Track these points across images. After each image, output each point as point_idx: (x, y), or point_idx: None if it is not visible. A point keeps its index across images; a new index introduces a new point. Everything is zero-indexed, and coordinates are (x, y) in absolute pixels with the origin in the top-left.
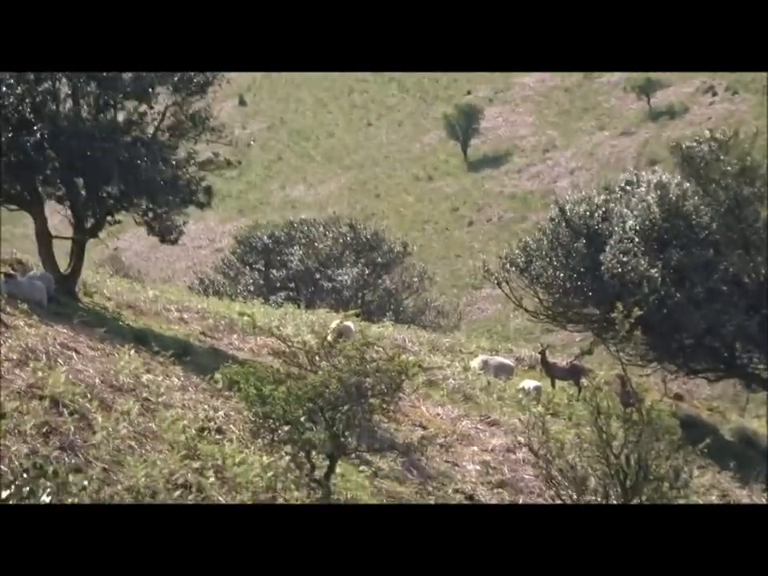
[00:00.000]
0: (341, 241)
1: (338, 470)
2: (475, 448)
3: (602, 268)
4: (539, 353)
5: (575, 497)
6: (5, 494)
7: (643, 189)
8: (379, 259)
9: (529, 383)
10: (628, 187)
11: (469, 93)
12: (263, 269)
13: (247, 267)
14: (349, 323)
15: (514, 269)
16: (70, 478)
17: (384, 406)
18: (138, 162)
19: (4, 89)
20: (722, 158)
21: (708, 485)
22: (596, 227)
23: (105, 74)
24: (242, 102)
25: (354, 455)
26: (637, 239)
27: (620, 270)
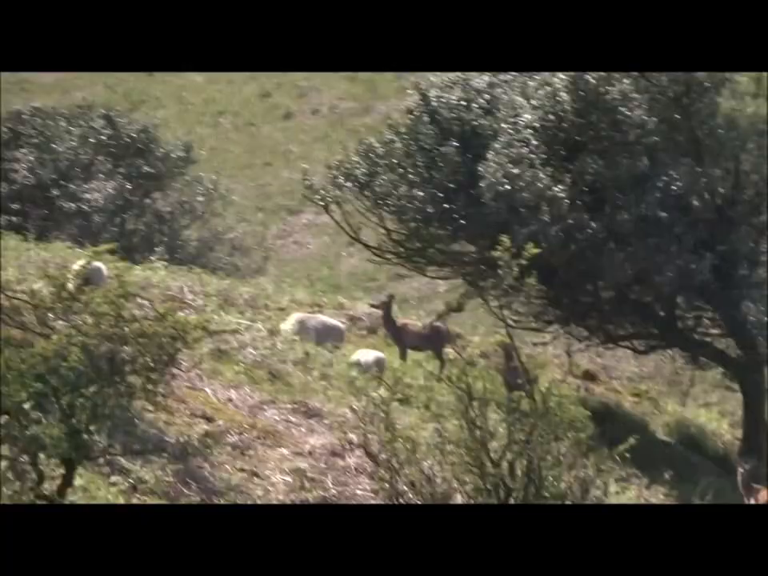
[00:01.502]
0: (91, 141)
1: (78, 481)
2: (285, 450)
3: (482, 184)
4: (381, 308)
5: None
6: None
7: None
8: (148, 168)
9: (366, 354)
10: None
11: None
12: None
13: None
14: (99, 264)
15: (350, 184)
16: None
17: (149, 387)
18: None
19: None
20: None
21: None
22: (475, 123)
23: None
24: None
25: (102, 460)
26: (535, 142)
27: (508, 186)
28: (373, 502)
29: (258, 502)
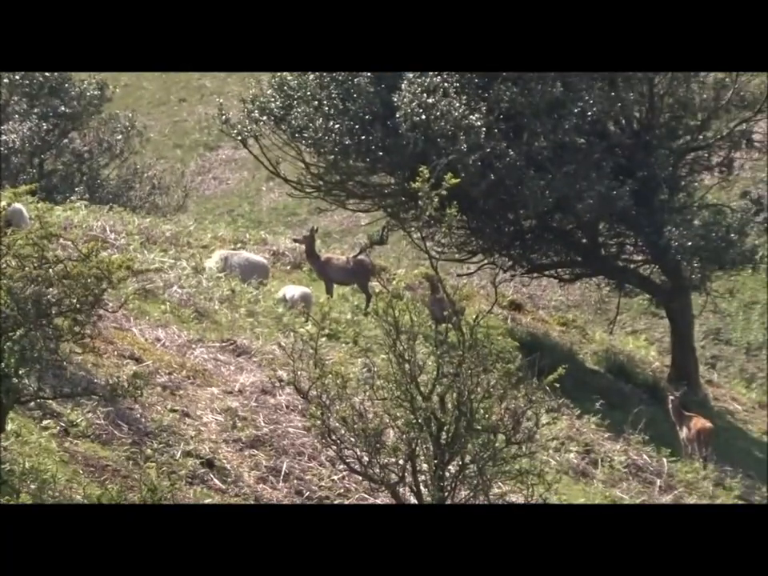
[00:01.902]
0: (5, 80)
1: (9, 426)
2: (215, 390)
3: (398, 115)
4: (304, 242)
5: (366, 459)
6: None
7: None
8: (63, 108)
9: (292, 290)
10: None
11: None
12: None
13: None
14: (19, 205)
15: (265, 118)
16: None
17: (77, 329)
18: None
19: None
20: None
21: (563, 436)
22: None
23: None
24: None
25: (33, 404)
26: None
27: (424, 116)
28: (305, 439)
29: (191, 442)
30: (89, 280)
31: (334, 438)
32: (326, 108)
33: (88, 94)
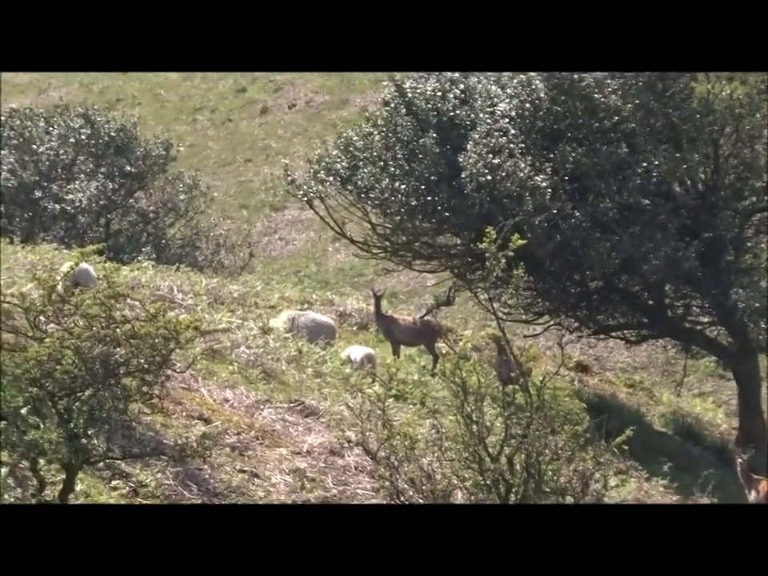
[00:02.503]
0: (71, 140)
1: (79, 486)
2: (283, 450)
3: (463, 176)
4: (374, 303)
5: None
6: None
7: None
8: (129, 167)
9: (356, 351)
10: None
11: None
12: None
13: None
14: (86, 265)
15: (331, 179)
16: None
17: (145, 389)
18: None
19: None
20: None
21: (632, 499)
22: (452, 114)
23: None
24: None
25: (102, 464)
26: (513, 131)
27: (489, 177)
28: (374, 501)
29: (260, 503)
30: (156, 340)
31: (402, 499)
32: (392, 169)
33: (153, 153)
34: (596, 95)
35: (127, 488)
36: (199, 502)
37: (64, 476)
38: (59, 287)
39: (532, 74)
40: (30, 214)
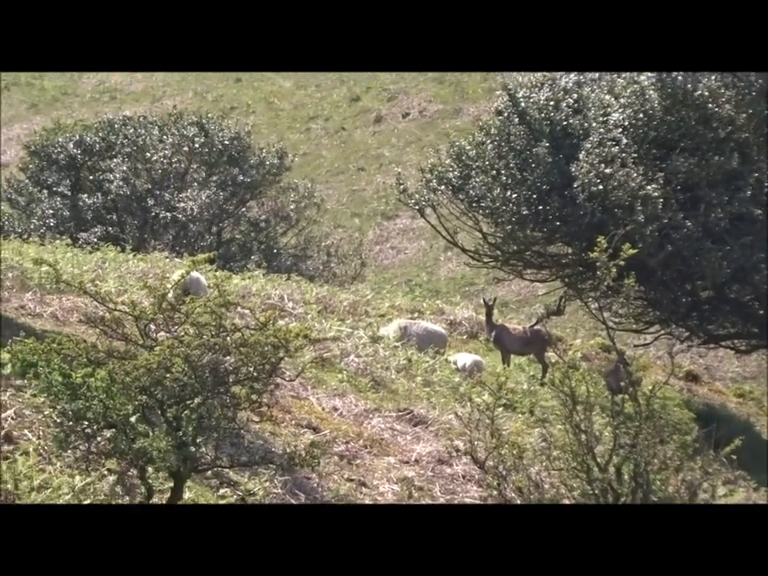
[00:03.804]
0: (185, 149)
1: (187, 494)
2: (391, 459)
3: (575, 185)
4: (485, 312)
5: None
6: None
7: None
8: (242, 177)
9: (464, 357)
10: None
11: None
12: (69, 193)
13: (45, 191)
14: (197, 274)
15: (443, 188)
16: None
17: (254, 397)
18: None
19: None
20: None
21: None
22: (564, 123)
23: None
24: None
25: (210, 472)
26: (626, 140)
27: (601, 186)
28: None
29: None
30: (266, 348)
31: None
32: (504, 178)
33: (267, 162)
34: (710, 105)
35: (235, 497)
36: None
37: (172, 484)
38: (170, 295)
39: (645, 83)
40: (142, 222)
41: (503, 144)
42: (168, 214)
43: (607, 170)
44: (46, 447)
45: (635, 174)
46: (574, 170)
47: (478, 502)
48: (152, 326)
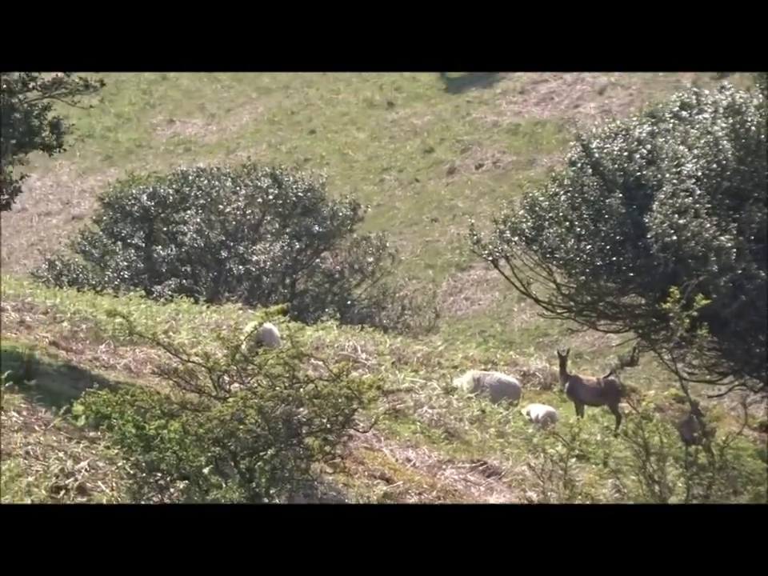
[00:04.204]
0: (259, 200)
1: None
2: None
3: (649, 235)
4: (559, 363)
5: None
6: None
7: (707, 115)
8: (317, 228)
9: (537, 409)
10: (684, 113)
11: None
12: (143, 245)
13: (119, 243)
14: (271, 325)
15: (517, 239)
16: None
17: (327, 448)
18: None
19: None
20: None
21: None
22: (638, 174)
23: None
24: None
25: None
26: (699, 191)
27: (675, 237)
28: None
29: None
30: (339, 400)
31: None
32: (578, 229)
33: (340, 213)
34: None
35: None
36: None
37: None
38: (243, 347)
39: (719, 133)
40: (216, 273)
41: (576, 195)
42: (242, 266)
43: (681, 221)
44: (120, 498)
45: (708, 225)
46: (647, 220)
47: None
48: (225, 378)
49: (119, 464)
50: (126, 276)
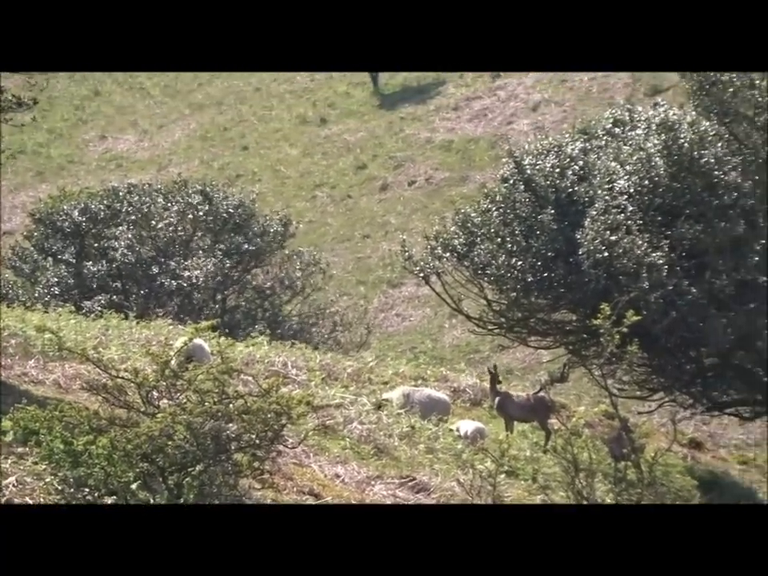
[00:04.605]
0: (190, 217)
1: None
2: None
3: (580, 252)
4: (489, 379)
5: None
6: None
7: (640, 132)
8: (247, 245)
9: (467, 425)
10: (617, 129)
11: None
12: (73, 260)
13: (50, 259)
14: (201, 341)
15: (448, 255)
16: None
17: (256, 464)
18: None
19: None
20: (757, 83)
21: None
22: (570, 191)
23: None
24: None
25: None
26: (631, 208)
27: (606, 254)
28: None
29: None
30: (269, 416)
31: None
32: (509, 245)
33: (271, 230)
34: (715, 172)
35: None
36: None
37: None
38: (173, 362)
39: (651, 150)
40: (147, 289)
41: (509, 211)
42: (173, 281)
43: (612, 238)
44: None
45: (640, 242)
46: (579, 237)
47: None
48: (155, 394)
49: (47, 480)
50: (56, 292)
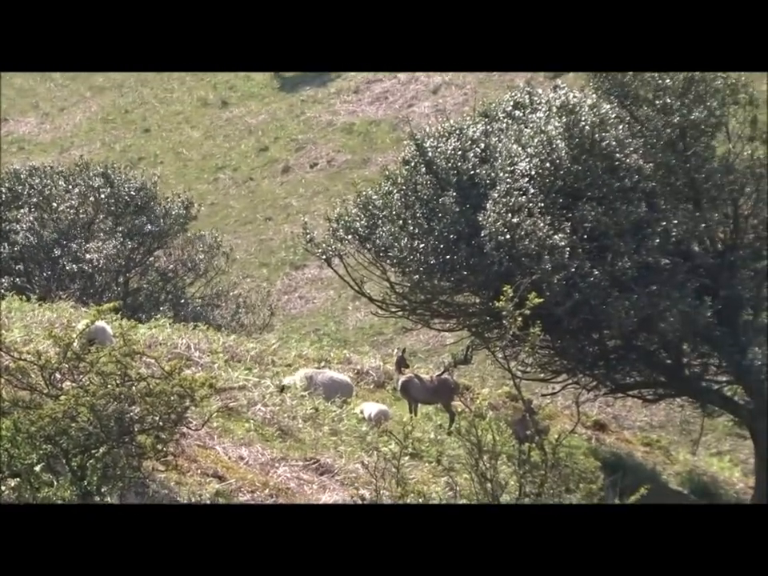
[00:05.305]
0: (91, 199)
1: None
2: None
3: (482, 234)
4: (395, 361)
5: None
6: None
7: (541, 114)
8: (149, 226)
9: (370, 407)
10: (518, 112)
11: None
12: None
13: None
14: (103, 323)
15: (350, 237)
16: None
17: (159, 446)
18: None
19: None
20: None
21: None
22: (472, 173)
23: None
24: None
25: None
26: (533, 190)
27: (508, 236)
28: None
29: None
30: (172, 398)
31: None
32: (411, 227)
33: (173, 212)
34: (617, 154)
35: None
36: None
37: None
38: (75, 345)
39: (552, 132)
40: (49, 272)
41: (410, 194)
42: (75, 264)
43: (514, 220)
44: None
45: (542, 224)
46: (481, 219)
47: None
48: (57, 376)
49: None
50: None
